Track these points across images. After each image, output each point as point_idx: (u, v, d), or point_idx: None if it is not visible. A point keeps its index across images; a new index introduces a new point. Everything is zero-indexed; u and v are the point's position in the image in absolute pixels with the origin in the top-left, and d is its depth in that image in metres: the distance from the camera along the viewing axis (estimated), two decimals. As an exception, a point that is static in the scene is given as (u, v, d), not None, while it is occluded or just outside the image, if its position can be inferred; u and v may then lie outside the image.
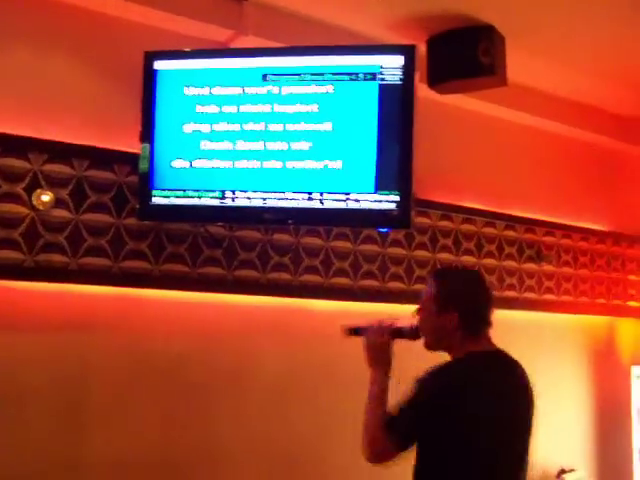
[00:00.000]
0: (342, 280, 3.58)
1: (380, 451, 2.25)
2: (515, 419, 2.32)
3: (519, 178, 4.40)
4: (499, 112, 4.18)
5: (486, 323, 2.38)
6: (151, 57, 2.97)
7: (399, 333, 2.43)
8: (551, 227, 4.55)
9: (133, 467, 2.97)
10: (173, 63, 3.00)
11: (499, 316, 4.17)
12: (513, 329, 4.29)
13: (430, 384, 2.23)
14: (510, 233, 4.33)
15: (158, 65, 2.98)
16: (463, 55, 3.38)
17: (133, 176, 3.02)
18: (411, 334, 2.42)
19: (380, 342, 2.38)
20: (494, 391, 2.26)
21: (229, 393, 3.25)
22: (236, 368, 3.27)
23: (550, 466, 4.38)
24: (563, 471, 4.40)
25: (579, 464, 4.51)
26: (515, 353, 4.20)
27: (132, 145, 2.97)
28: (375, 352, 2.39)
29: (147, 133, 2.95)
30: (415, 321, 2.41)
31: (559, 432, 4.44)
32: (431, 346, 2.38)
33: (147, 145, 2.94)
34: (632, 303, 5.02)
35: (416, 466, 2.27)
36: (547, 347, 4.45)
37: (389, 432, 2.21)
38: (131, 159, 2.99)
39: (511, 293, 4.30)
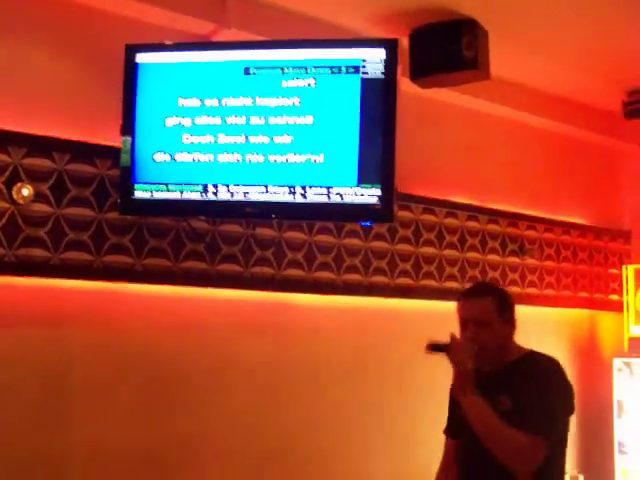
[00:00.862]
0: (325, 274, 3.58)
1: (535, 453, 2.26)
2: None
3: (502, 172, 4.41)
4: (482, 106, 4.19)
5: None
6: (133, 50, 2.95)
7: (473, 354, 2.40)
8: (533, 221, 4.58)
9: (116, 462, 2.96)
10: (155, 56, 2.99)
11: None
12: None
13: (566, 383, 2.40)
14: (493, 227, 4.35)
15: (140, 58, 2.96)
16: (446, 49, 3.38)
17: (115, 170, 3.00)
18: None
19: (470, 368, 2.36)
20: None
21: (212, 387, 3.24)
22: (219, 362, 3.26)
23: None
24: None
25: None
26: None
27: (114, 139, 2.95)
28: (467, 378, 2.36)
29: (128, 126, 2.93)
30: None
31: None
32: (493, 358, 2.46)
33: (128, 138, 2.93)
34: (614, 297, 5.05)
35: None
36: (530, 340, 4.44)
37: (542, 437, 2.26)
38: (113, 153, 2.97)
39: (494, 287, 4.31)
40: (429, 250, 4.01)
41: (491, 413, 2.29)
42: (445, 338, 2.42)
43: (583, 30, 3.60)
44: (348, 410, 3.59)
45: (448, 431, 2.65)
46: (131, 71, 2.94)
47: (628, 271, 4.99)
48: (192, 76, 2.95)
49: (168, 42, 3.03)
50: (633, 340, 4.75)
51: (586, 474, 4.54)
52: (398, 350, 3.76)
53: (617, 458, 4.60)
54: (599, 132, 4.81)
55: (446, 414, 2.66)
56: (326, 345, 3.53)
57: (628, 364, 4.63)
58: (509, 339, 2.50)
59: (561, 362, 2.42)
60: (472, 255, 4.22)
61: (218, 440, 3.24)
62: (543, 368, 2.41)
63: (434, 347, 2.42)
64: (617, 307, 4.99)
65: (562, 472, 2.46)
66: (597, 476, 4.62)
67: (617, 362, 4.69)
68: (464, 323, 2.48)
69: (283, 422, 3.41)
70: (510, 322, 2.50)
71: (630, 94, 4.47)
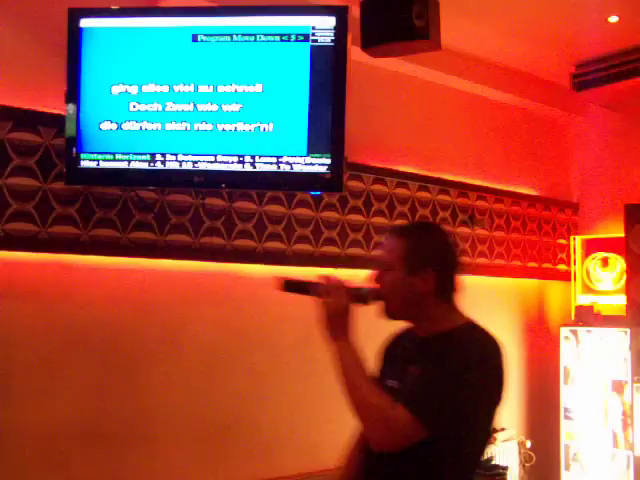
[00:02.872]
0: (275, 244, 3.57)
1: (400, 431, 1.82)
2: None
3: (453, 142, 4.44)
4: (433, 77, 4.20)
5: (458, 290, 2.06)
6: (76, 14, 2.88)
7: (358, 296, 1.99)
8: (484, 192, 4.62)
9: (64, 437, 2.93)
10: (100, 21, 2.91)
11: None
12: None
13: (496, 372, 1.96)
14: (444, 197, 4.38)
15: (84, 23, 2.89)
16: (397, 18, 3.34)
17: (60, 138, 2.93)
18: (372, 297, 2.01)
19: (343, 306, 1.95)
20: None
21: (163, 360, 3.22)
22: (170, 334, 3.24)
23: (482, 425, 4.48)
24: (494, 430, 4.51)
25: (510, 423, 4.63)
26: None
27: (58, 106, 2.89)
28: (338, 318, 1.95)
29: (73, 94, 2.87)
30: (372, 284, 2.03)
31: (491, 392, 4.55)
32: (394, 313, 2.01)
33: (73, 106, 2.86)
34: (561, 267, 5.15)
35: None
36: (480, 310, 4.50)
37: (420, 419, 1.80)
38: (57, 120, 2.91)
39: (445, 257, 4.34)
40: (380, 220, 4.02)
41: (361, 369, 1.90)
42: None
43: (533, 2, 3.61)
44: (300, 379, 3.60)
45: None
46: (75, 36, 2.87)
47: (576, 242, 5.09)
48: (139, 42, 2.89)
49: (114, 6, 2.95)
50: (580, 309, 4.84)
51: (533, 439, 4.65)
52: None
53: (563, 423, 4.72)
54: (549, 104, 4.86)
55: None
56: (277, 315, 3.53)
57: (575, 332, 4.73)
58: (424, 303, 1.98)
59: (502, 343, 1.99)
60: (423, 225, 4.24)
61: (169, 411, 3.22)
62: (471, 347, 1.93)
63: (293, 284, 2.04)
64: (565, 277, 5.10)
65: (472, 471, 1.97)
66: (544, 440, 4.73)
67: (564, 330, 4.78)
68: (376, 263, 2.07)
69: (235, 391, 3.41)
70: (421, 274, 1.95)
71: (578, 66, 4.52)
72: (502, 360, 1.96)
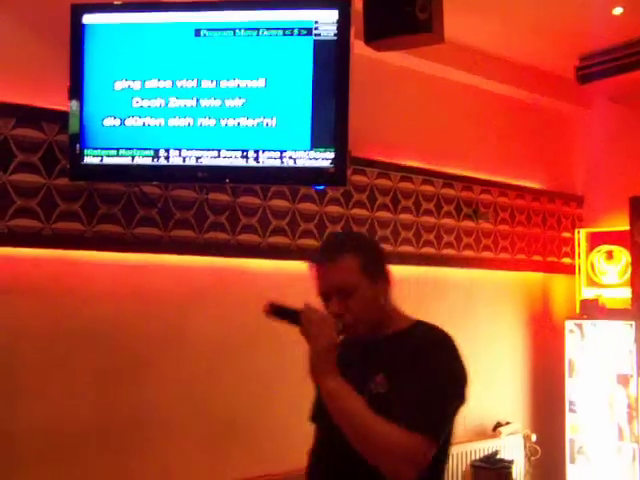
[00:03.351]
0: (280, 239, 3.57)
1: (418, 457, 1.71)
2: None
3: (456, 136, 4.42)
4: (436, 70, 4.19)
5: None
6: (79, 10, 2.88)
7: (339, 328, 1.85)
8: (488, 185, 4.61)
9: (65, 435, 2.93)
10: (102, 17, 2.91)
11: (438, 274, 4.28)
12: (451, 287, 4.38)
13: (459, 363, 1.84)
14: (448, 191, 4.37)
15: (87, 19, 2.89)
16: (400, 11, 3.33)
17: (63, 134, 2.93)
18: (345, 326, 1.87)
19: (333, 340, 1.82)
20: None
21: (167, 356, 3.22)
22: (173, 329, 3.24)
23: (487, 420, 4.49)
24: (499, 424, 4.51)
25: (515, 417, 4.63)
26: (453, 310, 4.31)
27: (61, 102, 2.89)
28: (328, 354, 1.80)
29: (76, 90, 2.87)
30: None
31: (496, 386, 4.56)
32: (364, 331, 1.91)
33: (76, 102, 2.86)
34: (566, 260, 5.14)
35: None
36: (485, 304, 4.54)
37: (430, 435, 1.71)
38: (61, 117, 2.91)
39: (450, 251, 4.35)
40: (384, 214, 4.02)
41: (360, 404, 1.75)
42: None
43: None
44: (305, 374, 3.58)
45: (315, 417, 2.02)
46: (77, 32, 2.86)
47: (580, 235, 5.08)
48: (141, 38, 2.89)
49: (116, 2, 2.96)
50: (584, 302, 4.84)
51: (538, 432, 4.65)
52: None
53: (568, 416, 4.72)
54: (553, 96, 4.84)
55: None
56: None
57: (579, 326, 4.73)
58: (386, 300, 1.93)
59: (452, 336, 1.87)
60: (427, 219, 4.24)
61: (173, 407, 3.22)
62: (431, 343, 1.85)
63: (279, 311, 1.87)
64: (569, 270, 5.08)
65: (442, 472, 1.89)
66: (548, 434, 4.72)
67: (569, 324, 4.78)
68: (325, 295, 1.89)
69: (238, 387, 3.41)
70: (381, 278, 1.91)
71: (583, 59, 4.50)
72: (459, 350, 1.86)
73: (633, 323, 4.40)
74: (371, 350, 1.91)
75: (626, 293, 4.67)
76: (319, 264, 1.91)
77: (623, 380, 4.46)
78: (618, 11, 3.87)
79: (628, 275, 4.70)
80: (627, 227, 4.63)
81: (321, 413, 1.87)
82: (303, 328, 1.83)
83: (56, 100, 2.90)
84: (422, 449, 1.69)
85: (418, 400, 1.73)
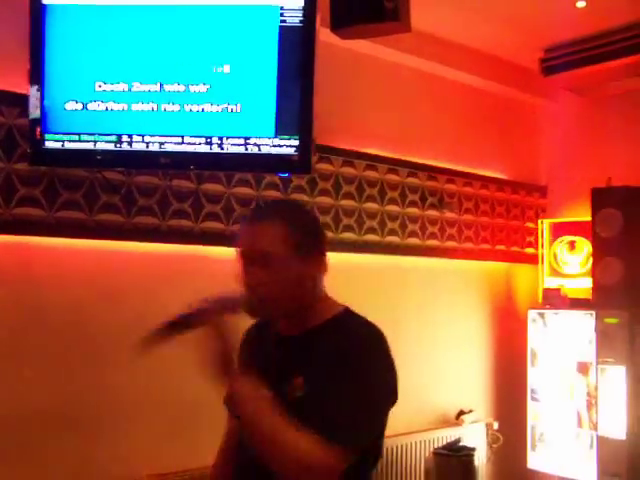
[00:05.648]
0: (244, 227, 3.54)
1: (328, 474, 1.57)
2: None
3: (421, 125, 4.43)
4: (402, 59, 4.19)
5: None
6: (39, -10, 2.82)
7: (233, 307, 1.72)
8: (453, 175, 4.64)
9: (30, 420, 2.89)
10: (63, -2, 2.85)
11: (403, 262, 4.29)
12: (416, 275, 4.39)
13: (389, 363, 1.69)
14: (413, 180, 4.38)
15: None
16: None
17: (23, 118, 2.87)
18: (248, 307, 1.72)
19: (230, 345, 1.70)
20: None
21: (130, 342, 3.17)
22: (136, 318, 3.18)
23: (450, 408, 4.53)
24: (462, 412, 4.55)
25: (477, 405, 4.68)
26: (417, 299, 4.33)
27: (21, 86, 2.83)
28: (232, 350, 1.69)
29: (36, 73, 2.81)
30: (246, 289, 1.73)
31: (459, 375, 4.60)
32: (285, 315, 1.75)
33: (36, 85, 2.81)
34: (529, 250, 5.20)
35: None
36: (449, 293, 4.57)
37: (345, 447, 1.56)
38: (21, 100, 2.85)
39: (414, 240, 4.37)
40: (349, 203, 4.02)
41: (266, 409, 1.58)
42: None
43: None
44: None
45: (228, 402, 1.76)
46: (37, 13, 2.79)
47: (544, 225, 5.13)
48: (104, 20, 2.83)
49: (78, -16, 2.90)
50: (547, 292, 4.89)
51: (500, 420, 4.70)
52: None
53: (529, 404, 4.78)
54: (517, 87, 4.88)
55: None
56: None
57: (542, 315, 4.78)
58: (315, 287, 1.74)
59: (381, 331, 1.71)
60: (392, 208, 4.25)
61: (138, 393, 3.20)
62: (356, 339, 1.67)
63: (172, 328, 1.76)
64: (533, 260, 5.14)
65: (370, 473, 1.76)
66: (511, 422, 4.78)
67: (532, 313, 4.83)
68: (244, 262, 1.73)
69: (207, 373, 3.38)
70: (312, 258, 1.72)
71: (547, 51, 4.55)
72: (389, 347, 1.70)
73: (593, 313, 4.46)
74: (291, 345, 1.75)
75: (587, 283, 4.73)
76: (246, 224, 1.78)
77: (583, 369, 4.52)
78: (581, 4, 3.90)
79: (589, 266, 4.75)
80: (589, 218, 4.68)
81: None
82: (205, 326, 1.73)
83: (15, 83, 2.84)
84: (336, 462, 1.54)
85: (341, 409, 1.57)
